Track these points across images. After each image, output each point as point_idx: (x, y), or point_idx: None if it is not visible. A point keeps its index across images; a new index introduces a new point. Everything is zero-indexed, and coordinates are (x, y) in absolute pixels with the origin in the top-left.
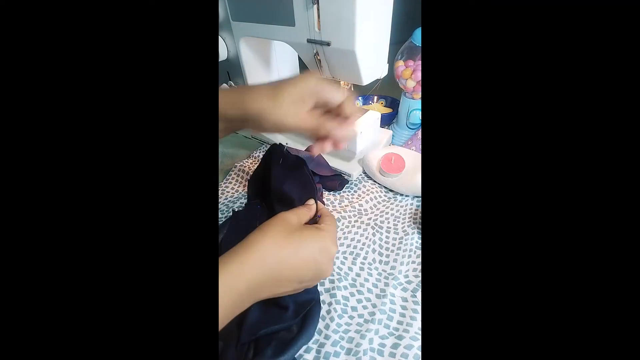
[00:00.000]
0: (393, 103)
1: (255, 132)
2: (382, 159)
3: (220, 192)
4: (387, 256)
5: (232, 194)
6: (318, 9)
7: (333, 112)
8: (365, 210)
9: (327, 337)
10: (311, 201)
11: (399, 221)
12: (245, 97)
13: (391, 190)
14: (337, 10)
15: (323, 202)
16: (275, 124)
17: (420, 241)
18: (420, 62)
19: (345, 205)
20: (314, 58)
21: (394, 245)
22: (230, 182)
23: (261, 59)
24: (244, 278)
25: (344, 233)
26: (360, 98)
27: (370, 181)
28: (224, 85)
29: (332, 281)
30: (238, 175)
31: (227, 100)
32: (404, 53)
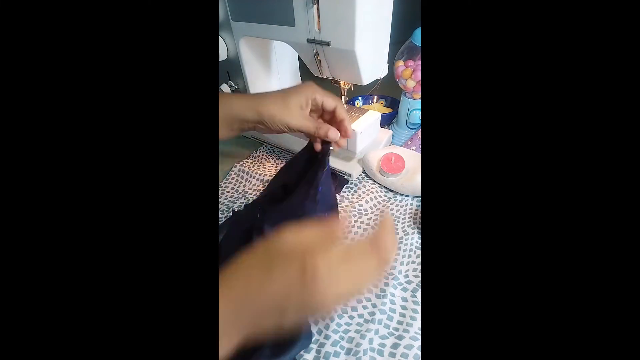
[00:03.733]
0: (393, 103)
1: (264, 132)
2: (382, 159)
3: (220, 192)
4: None
5: (232, 194)
6: (318, 9)
7: (328, 116)
8: (365, 210)
9: (327, 337)
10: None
11: (399, 221)
12: (260, 102)
13: (391, 190)
14: (337, 10)
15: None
16: (284, 124)
17: (420, 241)
18: (420, 62)
19: (346, 206)
20: (314, 58)
21: None
22: (230, 182)
23: (261, 59)
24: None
25: (344, 233)
26: (360, 98)
27: (370, 181)
28: (225, 85)
29: None
30: (238, 175)
31: (245, 103)
32: (404, 53)
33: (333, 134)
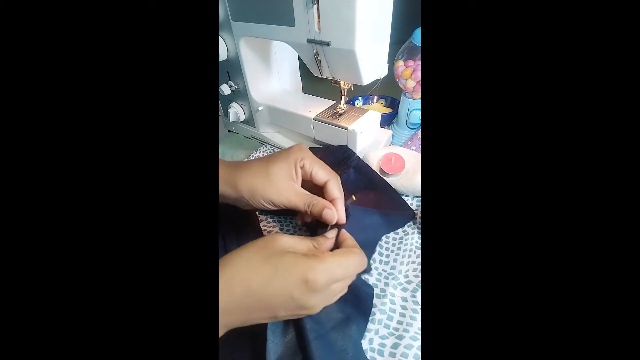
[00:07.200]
0: (393, 103)
1: (250, 208)
2: (382, 159)
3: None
4: (387, 256)
5: None
6: (318, 9)
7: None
8: None
9: None
10: (331, 233)
11: None
12: (238, 175)
13: None
14: (337, 10)
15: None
16: (271, 200)
17: (420, 241)
18: (420, 62)
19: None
20: (314, 58)
21: (394, 245)
22: None
23: (261, 59)
24: None
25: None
26: (360, 98)
27: None
28: (225, 85)
29: None
30: None
31: (220, 175)
32: (404, 53)
33: (329, 215)
